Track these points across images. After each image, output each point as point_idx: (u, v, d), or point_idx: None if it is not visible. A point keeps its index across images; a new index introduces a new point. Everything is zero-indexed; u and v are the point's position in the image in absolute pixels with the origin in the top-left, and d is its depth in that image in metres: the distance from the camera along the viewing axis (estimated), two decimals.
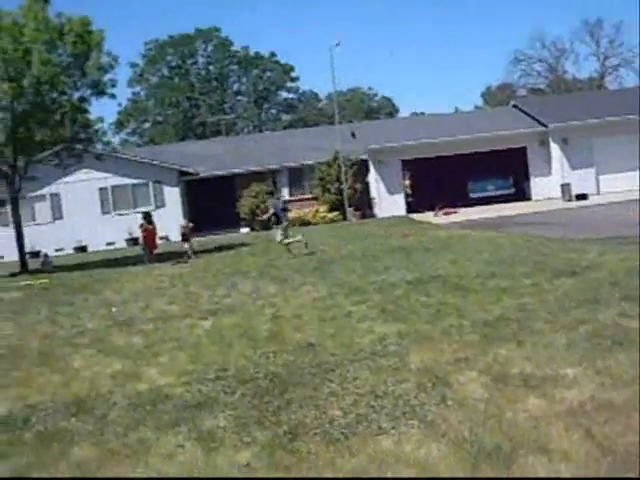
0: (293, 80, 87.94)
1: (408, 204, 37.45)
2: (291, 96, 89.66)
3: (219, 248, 25.71)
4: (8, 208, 26.74)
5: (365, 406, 5.62)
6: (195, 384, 6.85)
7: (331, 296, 11.43)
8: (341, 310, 9.99)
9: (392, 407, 5.51)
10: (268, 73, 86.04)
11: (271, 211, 21.29)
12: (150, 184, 37.79)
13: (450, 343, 7.27)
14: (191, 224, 24.34)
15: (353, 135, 39.85)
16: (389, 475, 4.34)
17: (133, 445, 5.36)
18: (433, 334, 7.76)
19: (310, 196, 38.97)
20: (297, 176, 39.69)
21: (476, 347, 6.97)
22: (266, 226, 37.15)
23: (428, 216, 31.70)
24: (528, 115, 38.31)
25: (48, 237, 35.58)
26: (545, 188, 36.15)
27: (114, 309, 12.90)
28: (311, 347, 7.82)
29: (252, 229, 37.66)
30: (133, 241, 34.28)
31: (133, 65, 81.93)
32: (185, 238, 23.73)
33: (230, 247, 25.85)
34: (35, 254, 31.70)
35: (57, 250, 35.42)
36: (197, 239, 29.45)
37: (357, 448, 4.80)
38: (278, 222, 20.74)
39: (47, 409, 6.57)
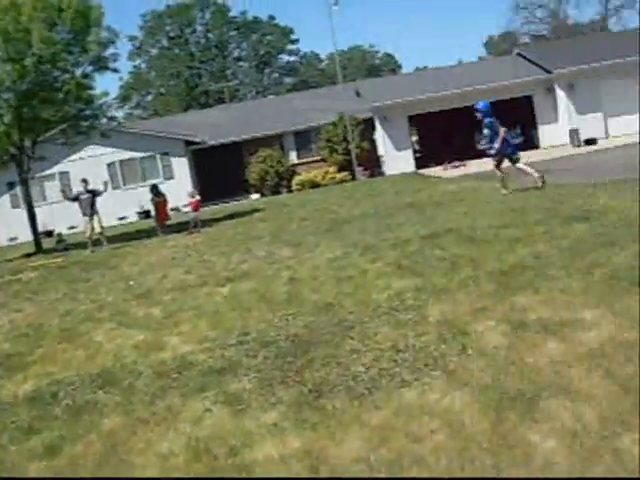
0: (293, 42, 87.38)
1: (417, 160, 37.33)
2: (292, 59, 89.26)
3: (230, 216, 25.76)
4: (19, 189, 26.80)
5: (387, 360, 5.68)
6: (218, 350, 6.93)
7: (346, 256, 11.47)
8: (357, 269, 10.03)
9: (413, 360, 5.58)
10: (268, 37, 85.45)
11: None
12: (157, 156, 37.81)
13: (467, 294, 7.31)
14: (197, 196, 24.16)
15: (357, 94, 39.65)
16: (414, 427, 4.41)
17: (161, 412, 5.46)
18: (450, 286, 7.80)
19: (318, 158, 38.91)
20: (304, 139, 39.61)
21: (493, 296, 7.01)
22: (276, 191, 37.35)
23: (437, 170, 31.62)
24: (532, 63, 37.95)
25: (60, 215, 35.67)
26: (553, 135, 35.93)
27: (132, 282, 13.01)
28: (329, 306, 7.88)
29: (262, 194, 37.72)
30: (145, 214, 34.40)
31: (132, 38, 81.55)
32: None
33: (241, 214, 25.90)
34: (49, 233, 31.88)
35: (70, 228, 35.50)
36: (208, 208, 29.57)
37: (382, 402, 4.88)
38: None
39: (74, 383, 6.67)
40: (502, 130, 16.92)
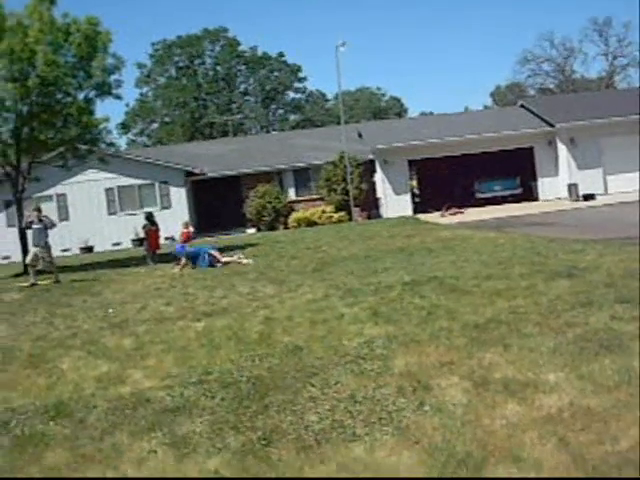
0: (300, 80, 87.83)
1: (415, 204, 37.37)
2: (298, 96, 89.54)
3: (221, 249, 25.59)
4: (14, 209, 26.69)
5: (342, 411, 5.54)
6: (177, 387, 6.79)
7: (326, 298, 11.36)
8: (334, 312, 9.91)
9: (369, 412, 5.43)
10: (275, 73, 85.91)
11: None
12: (156, 184, 37.79)
13: (437, 346, 7.18)
14: (191, 227, 24.04)
15: (360, 135, 39.77)
16: None
17: (106, 450, 5.31)
18: (421, 337, 7.67)
19: (316, 196, 38.92)
20: (303, 176, 39.64)
21: (462, 351, 6.88)
22: (272, 226, 37.30)
23: (435, 216, 31.60)
24: (535, 115, 38.10)
25: (54, 237, 35.44)
26: (553, 188, 35.97)
27: (110, 310, 12.86)
28: (298, 350, 7.75)
29: (258, 229, 37.66)
30: (139, 241, 34.27)
31: (141, 65, 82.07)
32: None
33: (233, 248, 25.76)
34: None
35: (63, 250, 35.40)
36: (202, 240, 29.44)
37: (328, 455, 4.73)
38: None
39: (28, 412, 6.52)
40: None
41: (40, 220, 20.09)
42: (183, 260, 20.23)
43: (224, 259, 20.08)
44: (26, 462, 5.24)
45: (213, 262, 19.94)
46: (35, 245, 19.83)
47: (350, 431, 5.11)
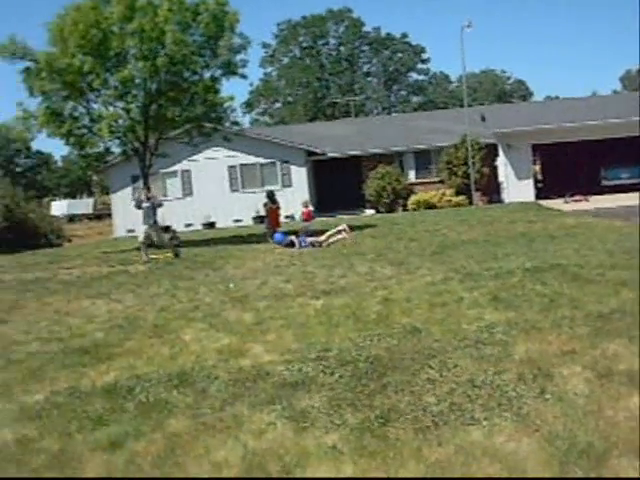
0: (424, 62, 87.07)
1: (537, 190, 36.55)
2: (421, 78, 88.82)
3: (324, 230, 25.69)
4: (141, 183, 27.51)
5: (461, 395, 5.50)
6: (296, 363, 6.89)
7: (445, 281, 11.27)
8: (453, 296, 9.83)
9: (488, 397, 5.38)
10: (399, 54, 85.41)
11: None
12: (278, 163, 38.27)
13: (559, 334, 7.03)
14: (311, 207, 24.28)
15: (483, 118, 39.13)
16: (473, 468, 4.24)
17: (227, 420, 5.43)
18: (543, 324, 7.52)
19: (436, 179, 38.64)
20: (424, 158, 39.38)
21: (585, 340, 6.71)
22: (391, 208, 37.23)
23: (557, 203, 30.81)
24: None
25: (178, 213, 36.57)
26: None
27: (231, 285, 13.15)
28: (416, 332, 7.73)
29: (377, 211, 37.66)
30: (259, 219, 34.82)
31: (265, 45, 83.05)
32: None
33: (352, 228, 25.84)
34: (165, 229, 32.61)
35: (186, 225, 36.40)
36: (321, 219, 29.68)
37: (446, 437, 4.71)
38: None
39: (152, 380, 6.74)
40: None
41: (148, 199, 20.71)
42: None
43: (323, 238, 20.17)
44: (150, 428, 5.42)
45: (314, 243, 20.13)
46: (145, 224, 20.40)
47: (468, 415, 5.08)
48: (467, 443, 4.59)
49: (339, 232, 20.40)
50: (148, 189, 21.69)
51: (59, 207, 66.89)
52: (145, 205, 20.47)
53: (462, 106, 45.13)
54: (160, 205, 21.25)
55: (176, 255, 20.07)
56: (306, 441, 4.88)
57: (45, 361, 7.96)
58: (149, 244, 20.37)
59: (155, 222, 20.51)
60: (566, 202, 30.83)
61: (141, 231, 20.50)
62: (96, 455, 4.98)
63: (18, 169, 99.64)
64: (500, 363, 6.22)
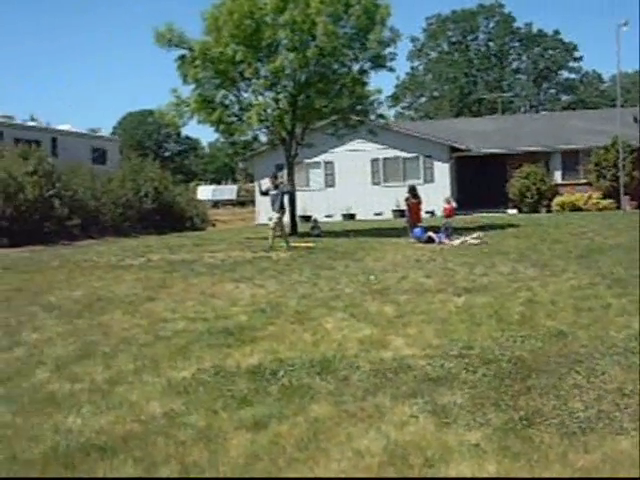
0: (576, 60, 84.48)
1: None
2: (572, 76, 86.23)
3: (481, 227, 25.41)
4: (285, 172, 28.01)
5: (609, 403, 5.35)
6: (438, 358, 6.86)
7: (591, 286, 10.98)
8: (600, 301, 9.55)
9: (638, 407, 5.20)
10: (550, 51, 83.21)
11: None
12: (421, 158, 38.10)
13: None
14: (454, 203, 24.07)
15: (635, 120, 37.72)
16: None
17: (369, 410, 5.47)
18: None
19: (583, 181, 37.58)
20: (571, 159, 38.38)
21: None
22: (534, 209, 36.43)
23: None
24: None
25: (319, 203, 37.02)
26: None
27: (372, 277, 13.20)
28: (562, 335, 7.56)
29: (519, 210, 36.95)
30: (400, 213, 34.76)
31: (414, 39, 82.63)
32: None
33: (495, 227, 25.51)
34: (306, 218, 33.13)
35: (327, 216, 36.75)
36: (464, 216, 29.38)
37: (593, 445, 4.59)
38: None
39: (294, 365, 6.85)
40: None
41: (276, 187, 20.91)
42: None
43: (455, 242, 19.95)
44: (293, 412, 5.51)
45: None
46: (273, 210, 20.61)
47: (617, 424, 4.92)
48: (615, 452, 4.46)
49: (473, 238, 20.13)
50: (275, 177, 21.92)
51: (205, 192, 68.92)
52: (272, 193, 20.72)
53: (614, 106, 43.66)
54: (289, 192, 21.42)
55: (288, 248, 19.95)
56: (448, 437, 4.85)
57: (191, 339, 8.22)
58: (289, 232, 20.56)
59: (281, 207, 20.70)
60: None
61: (273, 218, 20.64)
62: (240, 434, 5.10)
63: (167, 154, 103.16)
64: None
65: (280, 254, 18.50)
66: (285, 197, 21.14)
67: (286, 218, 20.75)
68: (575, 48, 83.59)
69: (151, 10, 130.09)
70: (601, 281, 11.39)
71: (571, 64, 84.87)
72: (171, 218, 34.94)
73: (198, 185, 75.73)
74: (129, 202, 32.67)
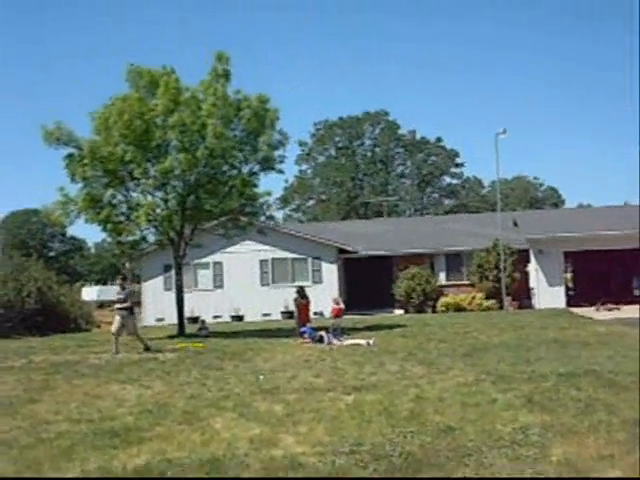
0: (458, 166, 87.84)
1: (568, 297, 36.31)
2: (454, 181, 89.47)
3: (369, 327, 25.69)
4: (173, 273, 27.79)
5: None
6: (329, 455, 6.84)
7: (477, 382, 11.21)
8: (486, 397, 9.76)
9: None
10: (433, 157, 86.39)
11: None
12: (309, 260, 38.46)
13: (596, 439, 6.95)
14: (342, 304, 24.26)
15: (515, 224, 39.33)
16: None
17: None
18: (579, 428, 7.45)
19: (467, 282, 38.63)
20: (455, 261, 39.49)
21: (623, 446, 6.62)
22: (420, 309, 37.12)
23: (589, 311, 30.55)
24: None
25: (208, 303, 36.75)
26: None
27: (261, 377, 13.12)
28: (450, 430, 7.68)
29: (406, 311, 37.56)
30: (288, 314, 34.81)
31: (302, 144, 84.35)
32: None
33: (382, 327, 25.81)
34: (194, 319, 32.79)
35: (215, 317, 36.44)
36: (351, 317, 29.62)
37: None
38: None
39: (183, 465, 6.72)
40: None
41: (123, 288, 20.58)
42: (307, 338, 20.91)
43: (345, 342, 20.10)
44: None
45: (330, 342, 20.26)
46: (118, 314, 19.92)
47: None
48: None
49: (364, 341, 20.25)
50: (124, 279, 21.58)
51: (90, 293, 67.50)
52: (119, 295, 20.16)
53: (494, 211, 45.45)
54: (133, 293, 20.97)
55: (147, 348, 19.43)
56: None
57: (76, 441, 7.97)
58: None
59: (128, 310, 20.08)
60: (597, 310, 30.60)
61: (115, 321, 19.86)
62: None
63: (52, 253, 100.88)
64: (538, 464, 6.17)
65: (167, 355, 18.18)
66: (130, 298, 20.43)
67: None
68: (457, 155, 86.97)
69: (31, 109, 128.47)
70: (486, 377, 11.64)
71: (453, 170, 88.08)
72: (55, 319, 33.86)
73: (83, 286, 74.11)
74: (11, 302, 31.62)
